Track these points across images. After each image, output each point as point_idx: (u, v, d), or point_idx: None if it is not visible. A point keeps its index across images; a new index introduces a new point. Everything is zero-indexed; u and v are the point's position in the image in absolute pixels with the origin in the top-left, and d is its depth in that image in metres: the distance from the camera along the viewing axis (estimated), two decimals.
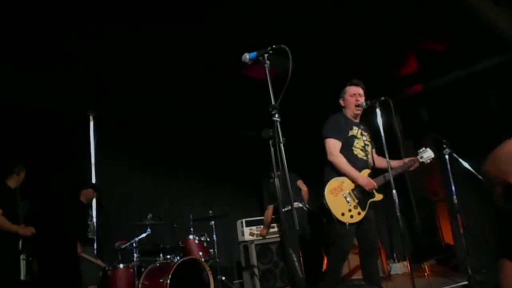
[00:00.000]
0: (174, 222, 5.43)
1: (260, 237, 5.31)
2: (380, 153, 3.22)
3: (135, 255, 4.02)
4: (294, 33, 5.01)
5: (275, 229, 5.45)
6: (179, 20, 4.56)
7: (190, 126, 6.35)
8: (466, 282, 3.83)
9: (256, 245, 5.38)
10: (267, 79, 1.88)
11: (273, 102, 1.85)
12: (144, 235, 4.21)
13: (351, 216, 2.98)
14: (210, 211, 4.85)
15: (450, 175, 3.96)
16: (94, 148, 5.67)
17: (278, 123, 1.81)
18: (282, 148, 1.78)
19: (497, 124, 5.80)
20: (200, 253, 4.43)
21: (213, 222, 4.74)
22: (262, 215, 5.44)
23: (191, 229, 4.71)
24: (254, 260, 5.28)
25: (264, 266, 5.34)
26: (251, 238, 5.36)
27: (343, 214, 2.96)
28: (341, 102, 3.37)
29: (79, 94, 5.20)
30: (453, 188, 3.98)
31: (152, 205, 5.57)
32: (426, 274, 4.88)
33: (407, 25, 5.21)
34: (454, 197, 3.94)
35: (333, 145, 3.10)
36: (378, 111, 3.00)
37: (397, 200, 2.83)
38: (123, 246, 4.13)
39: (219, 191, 6.48)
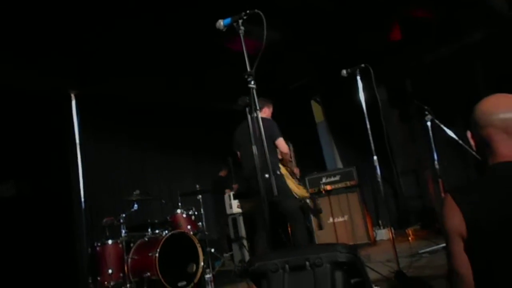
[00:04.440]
0: (162, 197, 5.47)
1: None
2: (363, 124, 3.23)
3: (123, 230, 4.03)
4: (281, 5, 4.91)
5: None
6: None
7: (176, 101, 6.29)
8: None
9: (244, 217, 5.44)
10: (242, 45, 1.86)
11: (248, 69, 1.83)
12: (131, 210, 4.21)
13: None
14: (197, 186, 4.87)
15: (432, 141, 4.01)
16: (77, 127, 5.60)
17: (254, 90, 1.80)
18: (259, 114, 1.77)
19: (481, 93, 5.87)
20: (188, 227, 4.48)
21: (200, 196, 4.77)
22: None
23: (179, 204, 4.74)
24: (242, 232, 5.36)
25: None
26: (239, 210, 5.42)
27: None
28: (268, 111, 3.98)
29: (59, 72, 5.09)
30: (435, 154, 4.04)
31: (140, 182, 5.58)
32: (410, 238, 5.02)
33: None
34: (436, 162, 4.01)
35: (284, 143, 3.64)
36: (358, 78, 2.99)
37: (378, 167, 2.87)
38: (111, 222, 4.15)
39: (207, 166, 6.51)
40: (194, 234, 4.39)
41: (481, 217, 1.19)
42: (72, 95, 5.65)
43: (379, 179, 2.81)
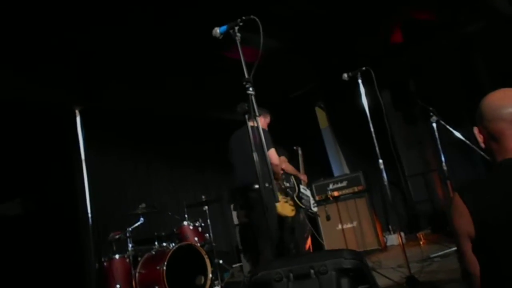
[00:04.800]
0: (168, 210, 5.44)
1: None
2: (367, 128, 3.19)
3: (130, 244, 4.01)
4: (279, 13, 4.92)
5: None
6: (162, 11, 4.47)
7: (179, 113, 6.30)
8: None
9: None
10: (239, 52, 1.84)
11: (246, 75, 1.81)
12: (137, 224, 4.18)
13: None
14: (203, 196, 4.84)
15: (439, 142, 3.95)
16: (82, 142, 5.63)
17: (252, 97, 1.77)
18: (259, 121, 1.75)
19: (486, 89, 5.79)
20: (196, 238, 4.43)
21: (206, 207, 4.73)
22: None
23: (186, 215, 4.70)
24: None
25: None
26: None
27: None
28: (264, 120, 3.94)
29: (64, 88, 5.13)
30: (442, 155, 3.98)
31: (145, 195, 5.55)
32: (421, 242, 4.92)
33: None
34: (444, 164, 3.94)
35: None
36: (360, 82, 2.96)
37: (384, 171, 2.82)
38: (117, 237, 4.12)
39: (213, 176, 6.47)
40: (202, 246, 4.34)
41: (489, 216, 1.15)
42: (77, 111, 5.76)
43: (386, 183, 2.76)
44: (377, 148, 2.84)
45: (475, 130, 1.33)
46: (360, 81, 2.99)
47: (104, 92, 5.38)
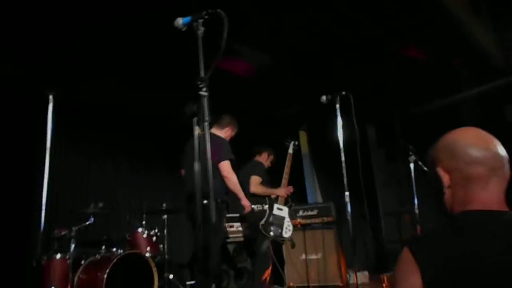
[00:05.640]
0: (128, 213, 5.15)
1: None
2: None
3: (72, 245, 3.71)
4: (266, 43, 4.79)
5: (234, 228, 5.19)
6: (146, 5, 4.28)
7: (155, 113, 6.05)
8: None
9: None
10: (200, 47, 1.65)
11: (202, 74, 1.61)
12: (86, 224, 3.89)
13: None
14: (164, 204, 4.57)
15: (413, 184, 3.79)
16: (51, 131, 5.34)
17: (205, 98, 1.57)
18: (207, 128, 1.54)
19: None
20: (148, 248, 4.14)
21: (165, 216, 4.46)
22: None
23: (143, 222, 4.42)
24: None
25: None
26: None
27: None
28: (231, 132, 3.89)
29: (38, 72, 4.89)
30: (416, 198, 3.82)
31: (107, 194, 5.27)
32: (384, 285, 4.71)
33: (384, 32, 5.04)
34: (415, 207, 3.77)
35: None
36: (337, 106, 2.79)
37: (349, 204, 2.63)
38: (63, 233, 3.82)
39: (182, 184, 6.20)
40: (153, 257, 4.05)
41: (443, 277, 0.95)
42: (50, 97, 5.49)
43: (349, 217, 2.56)
44: (345, 180, 2.66)
45: (440, 170, 1.13)
46: (338, 105, 2.82)
47: (80, 83, 5.15)
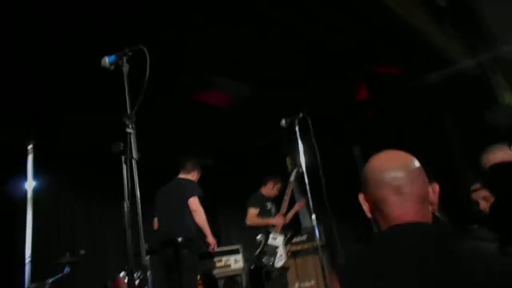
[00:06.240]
0: (113, 258, 5.03)
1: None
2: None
3: None
4: (241, 58, 4.83)
5: (222, 263, 5.06)
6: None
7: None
8: None
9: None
10: (125, 85, 1.64)
11: (128, 111, 1.59)
12: (60, 275, 3.77)
13: None
14: (146, 245, 4.45)
15: None
16: (31, 178, 5.31)
17: (131, 136, 1.54)
18: (135, 165, 1.51)
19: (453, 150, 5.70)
20: None
21: (147, 257, 4.34)
22: None
23: (126, 266, 4.29)
24: None
25: None
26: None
27: None
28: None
29: (17, 123, 4.91)
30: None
31: (90, 240, 5.18)
32: None
33: (353, 47, 5.09)
34: None
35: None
36: (297, 129, 2.77)
37: (316, 227, 2.56)
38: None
39: None
40: None
41: None
42: (29, 148, 5.48)
43: (317, 242, 2.49)
44: (310, 203, 2.61)
45: (360, 198, 1.14)
46: (297, 128, 2.80)
47: (58, 130, 5.16)
